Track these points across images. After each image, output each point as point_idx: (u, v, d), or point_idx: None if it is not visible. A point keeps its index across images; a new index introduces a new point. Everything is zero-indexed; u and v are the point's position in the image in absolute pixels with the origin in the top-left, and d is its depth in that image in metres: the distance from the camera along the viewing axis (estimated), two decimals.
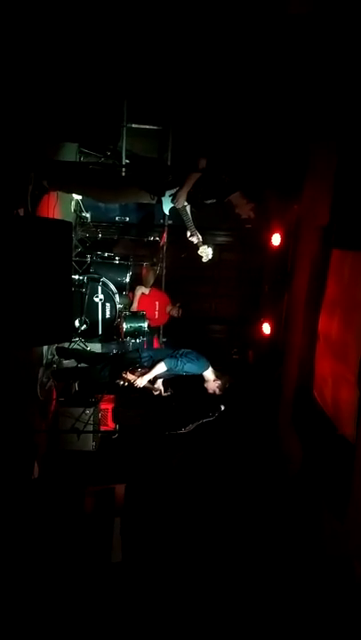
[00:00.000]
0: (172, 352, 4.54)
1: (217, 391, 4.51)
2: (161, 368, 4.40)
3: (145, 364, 4.60)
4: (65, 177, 4.20)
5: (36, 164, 3.90)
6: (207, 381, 4.48)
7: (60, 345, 5.36)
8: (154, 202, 4.20)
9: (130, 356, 4.74)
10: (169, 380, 4.71)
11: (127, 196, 4.41)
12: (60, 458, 5.00)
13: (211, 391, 4.51)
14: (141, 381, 4.41)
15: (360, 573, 3.69)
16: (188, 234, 4.21)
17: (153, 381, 4.54)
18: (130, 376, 4.43)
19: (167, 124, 6.74)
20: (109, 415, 5.93)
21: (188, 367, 4.41)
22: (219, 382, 4.49)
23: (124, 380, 4.45)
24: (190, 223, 4.19)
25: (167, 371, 4.45)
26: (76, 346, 5.83)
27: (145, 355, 4.58)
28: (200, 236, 4.20)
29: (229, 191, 4.11)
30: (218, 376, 4.51)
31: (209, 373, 4.46)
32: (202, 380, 4.61)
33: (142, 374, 4.44)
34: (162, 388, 4.59)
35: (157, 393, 4.53)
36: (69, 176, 4.27)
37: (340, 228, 4.82)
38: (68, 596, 3.56)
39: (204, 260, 4.26)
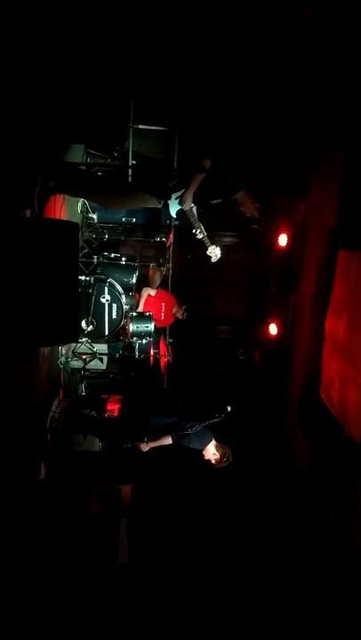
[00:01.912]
0: (180, 425, 4.44)
1: (212, 461, 4.41)
2: (166, 441, 4.39)
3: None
4: (71, 182, 4.21)
5: (42, 166, 3.91)
6: (206, 451, 4.43)
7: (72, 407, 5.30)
8: (160, 206, 4.20)
9: (139, 427, 4.68)
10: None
11: (133, 201, 4.41)
12: (66, 458, 5.00)
13: (206, 459, 4.45)
14: (145, 447, 4.45)
15: None
16: (194, 230, 4.22)
17: None
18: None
19: (173, 125, 6.74)
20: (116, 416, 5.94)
21: (192, 443, 4.37)
22: (217, 455, 4.40)
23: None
24: (198, 224, 4.19)
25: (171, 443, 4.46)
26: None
27: (153, 423, 4.51)
28: (205, 232, 4.20)
29: (235, 190, 4.10)
30: (217, 447, 4.43)
31: (211, 446, 4.41)
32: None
33: (148, 442, 4.47)
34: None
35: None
36: (76, 181, 4.28)
37: (346, 228, 4.80)
38: (73, 597, 3.56)
39: (213, 260, 4.27)
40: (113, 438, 4.73)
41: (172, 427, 4.39)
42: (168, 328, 7.25)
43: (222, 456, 4.40)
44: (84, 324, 5.62)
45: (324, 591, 4.23)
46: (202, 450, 4.40)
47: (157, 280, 6.48)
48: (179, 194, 4.08)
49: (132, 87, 6.17)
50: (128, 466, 4.65)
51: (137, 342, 6.26)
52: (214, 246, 4.23)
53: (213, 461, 4.42)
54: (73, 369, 6.18)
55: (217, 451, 4.40)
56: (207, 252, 4.25)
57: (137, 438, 4.50)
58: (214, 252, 4.23)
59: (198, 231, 4.20)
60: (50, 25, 4.05)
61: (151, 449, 4.53)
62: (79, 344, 5.91)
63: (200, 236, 4.21)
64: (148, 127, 6.69)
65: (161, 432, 4.39)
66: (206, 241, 4.22)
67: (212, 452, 4.40)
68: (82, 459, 4.88)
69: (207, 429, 4.40)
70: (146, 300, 6.58)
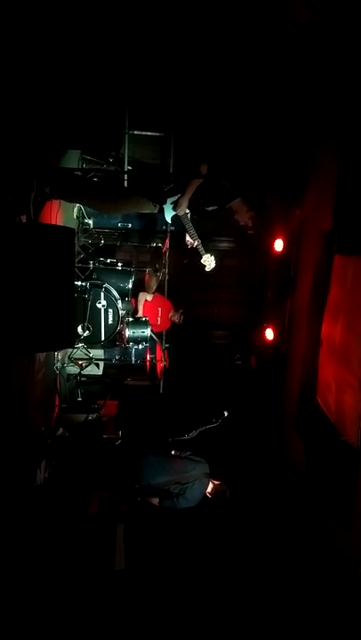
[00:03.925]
0: (170, 491, 4.46)
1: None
2: (153, 501, 4.45)
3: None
4: (67, 187, 4.21)
5: (38, 171, 3.91)
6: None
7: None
8: (156, 211, 4.21)
9: (129, 489, 4.67)
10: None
11: (129, 206, 4.41)
12: (62, 464, 4.98)
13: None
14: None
15: None
16: (187, 237, 4.22)
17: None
18: None
19: (169, 131, 6.76)
20: (112, 421, 5.92)
21: (182, 505, 4.42)
22: (212, 493, 4.50)
23: None
24: (192, 230, 4.19)
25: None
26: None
27: (144, 482, 4.50)
28: (200, 241, 4.20)
29: (231, 197, 4.11)
30: (212, 490, 4.49)
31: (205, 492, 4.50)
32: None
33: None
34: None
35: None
36: (72, 186, 4.28)
37: (342, 233, 4.81)
38: (70, 604, 3.54)
39: (207, 269, 4.27)
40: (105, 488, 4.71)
41: (162, 492, 4.41)
42: (164, 333, 7.24)
43: (216, 494, 4.49)
44: (80, 329, 5.61)
45: (322, 594, 4.22)
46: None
47: (154, 285, 6.48)
48: (174, 199, 4.08)
49: (128, 93, 6.19)
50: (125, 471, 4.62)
51: (133, 347, 6.26)
52: (208, 255, 4.23)
53: (209, 495, 4.51)
54: (69, 374, 6.16)
55: (212, 491, 4.48)
56: (201, 261, 4.26)
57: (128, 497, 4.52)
58: (208, 261, 4.23)
59: (193, 238, 4.21)
60: (46, 31, 4.07)
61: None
62: (75, 349, 5.90)
63: (195, 244, 4.22)
64: (143, 133, 6.71)
65: (150, 493, 4.42)
66: (201, 249, 4.22)
67: (207, 491, 4.48)
68: (80, 464, 4.87)
69: (201, 486, 4.43)
70: (142, 305, 6.58)
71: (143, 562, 4.44)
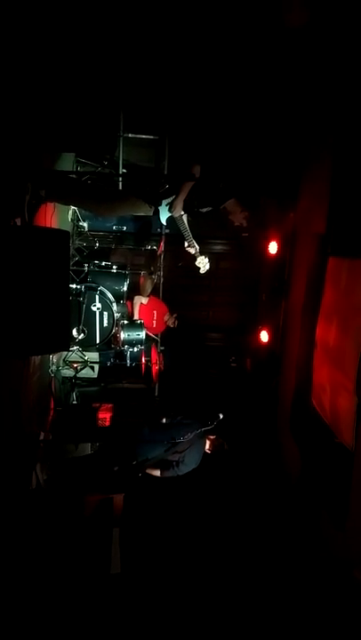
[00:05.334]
0: (169, 461, 4.49)
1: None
2: (155, 473, 4.49)
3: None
4: (62, 190, 4.21)
5: (33, 174, 3.91)
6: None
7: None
8: (151, 213, 4.21)
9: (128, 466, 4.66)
10: None
11: (124, 208, 4.42)
12: (57, 467, 4.97)
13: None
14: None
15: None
16: (186, 244, 4.23)
17: None
18: None
19: (164, 134, 6.77)
20: (107, 424, 5.92)
21: (182, 470, 4.46)
22: (211, 448, 4.59)
23: None
24: (187, 233, 4.20)
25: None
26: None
27: (141, 458, 4.50)
28: (197, 247, 4.22)
29: (225, 198, 4.12)
30: (210, 446, 4.58)
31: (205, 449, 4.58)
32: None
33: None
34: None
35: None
36: (67, 189, 4.29)
37: (336, 235, 4.84)
38: (66, 608, 3.53)
39: (202, 271, 4.28)
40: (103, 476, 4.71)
41: (162, 464, 4.44)
42: (159, 336, 7.24)
43: (215, 449, 4.57)
44: (75, 332, 5.61)
45: (317, 595, 4.22)
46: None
47: (148, 288, 6.49)
48: (169, 200, 4.09)
49: (122, 96, 6.19)
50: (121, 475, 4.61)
51: (128, 350, 6.26)
52: (203, 257, 4.25)
53: (208, 452, 4.58)
54: (64, 377, 6.15)
55: (210, 447, 4.57)
56: (196, 263, 4.28)
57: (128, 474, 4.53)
58: (203, 263, 4.25)
59: (188, 241, 4.22)
60: (41, 35, 4.07)
61: None
62: (70, 352, 5.89)
63: (192, 251, 4.23)
64: (138, 136, 6.71)
65: (150, 466, 4.44)
66: (196, 251, 4.24)
67: (206, 449, 4.56)
68: (74, 467, 4.85)
69: (198, 448, 4.47)
70: (138, 308, 6.59)
71: (139, 565, 4.44)
